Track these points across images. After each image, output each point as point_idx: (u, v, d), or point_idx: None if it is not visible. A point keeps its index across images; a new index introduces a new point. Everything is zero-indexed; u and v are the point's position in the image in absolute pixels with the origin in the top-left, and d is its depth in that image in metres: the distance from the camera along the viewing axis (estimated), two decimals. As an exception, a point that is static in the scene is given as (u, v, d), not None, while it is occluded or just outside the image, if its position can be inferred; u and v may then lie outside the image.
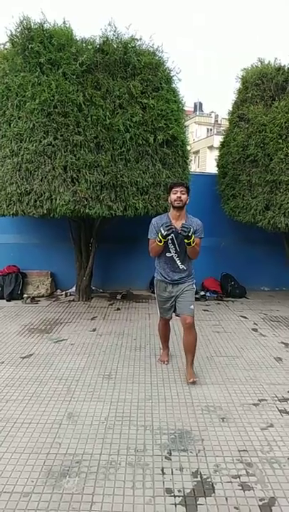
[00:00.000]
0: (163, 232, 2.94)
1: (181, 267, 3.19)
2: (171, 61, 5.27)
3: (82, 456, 2.24)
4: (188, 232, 2.88)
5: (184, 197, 3.05)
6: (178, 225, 3.02)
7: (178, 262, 3.17)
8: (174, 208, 3.10)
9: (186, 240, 2.96)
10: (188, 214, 3.18)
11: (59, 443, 2.36)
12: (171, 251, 3.15)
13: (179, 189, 3.04)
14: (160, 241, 3.00)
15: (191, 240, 2.93)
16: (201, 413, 2.72)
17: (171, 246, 3.12)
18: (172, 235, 3.03)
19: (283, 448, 2.34)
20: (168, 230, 2.94)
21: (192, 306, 3.20)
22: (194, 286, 3.31)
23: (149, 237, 3.18)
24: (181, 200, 3.04)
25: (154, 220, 3.20)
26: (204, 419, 2.65)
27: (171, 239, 3.07)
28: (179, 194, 3.03)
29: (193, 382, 3.13)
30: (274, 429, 2.54)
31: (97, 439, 2.40)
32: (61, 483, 2.03)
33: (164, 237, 2.96)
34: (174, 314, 3.39)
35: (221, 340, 4.27)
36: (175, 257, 3.16)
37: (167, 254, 3.16)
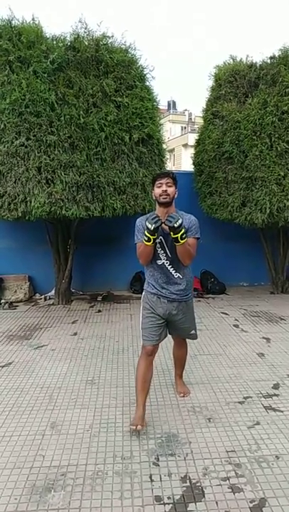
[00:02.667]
0: (150, 226, 2.34)
1: (176, 275, 2.59)
2: (144, 59, 5.23)
3: (68, 467, 2.16)
4: (175, 221, 2.28)
5: (170, 190, 2.46)
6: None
7: (171, 270, 2.57)
8: (159, 204, 2.50)
9: (172, 234, 2.35)
10: (178, 210, 2.60)
11: (42, 455, 2.27)
12: (162, 257, 2.56)
13: (164, 181, 2.46)
14: (148, 239, 2.39)
15: (180, 234, 2.33)
16: (187, 414, 2.69)
17: (160, 251, 2.55)
18: (161, 237, 2.50)
19: (270, 446, 2.33)
20: (155, 223, 2.33)
21: (193, 331, 2.81)
22: (192, 300, 2.79)
23: (135, 241, 2.58)
24: (168, 195, 2.46)
25: (138, 221, 2.60)
26: (190, 420, 2.62)
27: (160, 242, 2.52)
28: (164, 187, 2.45)
29: (183, 396, 2.92)
30: (260, 426, 2.54)
31: (82, 449, 2.33)
32: (46, 498, 1.94)
33: (152, 232, 2.35)
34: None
35: (204, 338, 4.26)
36: (167, 265, 2.57)
37: (158, 262, 2.58)
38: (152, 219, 2.36)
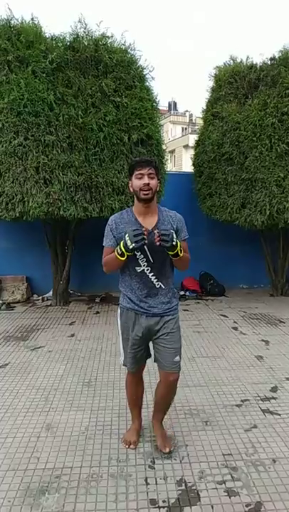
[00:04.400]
0: (128, 242, 1.89)
1: (158, 285, 2.12)
2: (143, 59, 5.23)
3: (62, 470, 2.14)
4: (172, 240, 1.88)
5: (153, 183, 1.99)
6: (147, 224, 2.04)
7: (153, 278, 2.10)
8: (139, 200, 2.04)
9: (170, 252, 1.96)
10: (160, 207, 2.16)
11: (37, 457, 2.25)
12: (141, 263, 2.07)
13: (145, 171, 1.98)
14: (122, 254, 1.95)
15: (178, 248, 1.94)
16: (184, 417, 2.67)
17: (140, 256, 2.06)
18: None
19: (267, 449, 2.31)
20: (137, 242, 1.88)
21: (177, 358, 2.16)
22: (179, 318, 2.25)
23: (104, 243, 2.13)
24: (150, 189, 1.99)
25: (111, 220, 2.12)
26: (187, 423, 2.60)
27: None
28: (146, 179, 1.98)
29: (170, 452, 2.26)
30: (258, 430, 2.51)
31: (77, 451, 2.30)
32: (40, 501, 1.92)
33: (131, 250, 1.91)
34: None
35: (202, 340, 4.24)
36: (147, 272, 2.08)
37: (137, 269, 2.09)
38: (134, 235, 1.88)
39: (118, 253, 1.97)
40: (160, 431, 2.36)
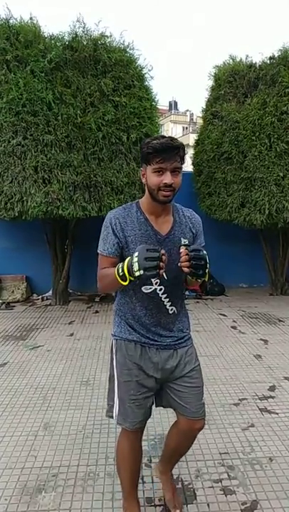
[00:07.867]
0: (136, 267, 1.32)
1: (172, 310, 1.59)
2: (143, 58, 5.24)
3: (59, 468, 2.15)
4: (205, 265, 1.37)
5: (177, 181, 1.44)
6: (160, 227, 1.55)
7: (166, 301, 1.57)
8: (154, 200, 1.49)
9: (198, 280, 1.45)
10: (174, 204, 1.62)
11: (34, 456, 2.25)
12: (153, 281, 1.53)
13: (168, 165, 1.40)
14: (123, 277, 1.38)
15: (208, 272, 1.43)
16: (182, 416, 2.67)
17: None
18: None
19: (264, 448, 2.31)
20: (147, 270, 1.30)
21: (204, 398, 1.68)
22: (194, 348, 1.72)
23: (100, 250, 1.61)
24: (173, 190, 1.44)
25: (112, 218, 1.55)
26: (185, 422, 2.60)
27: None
28: (168, 178, 1.41)
29: None
30: (255, 428, 2.51)
31: (74, 450, 2.31)
32: (37, 499, 1.93)
33: (136, 277, 1.34)
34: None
35: (201, 339, 4.24)
36: (160, 293, 1.55)
37: (145, 289, 1.54)
38: (147, 258, 1.30)
39: (118, 274, 1.40)
40: (171, 485, 1.91)
